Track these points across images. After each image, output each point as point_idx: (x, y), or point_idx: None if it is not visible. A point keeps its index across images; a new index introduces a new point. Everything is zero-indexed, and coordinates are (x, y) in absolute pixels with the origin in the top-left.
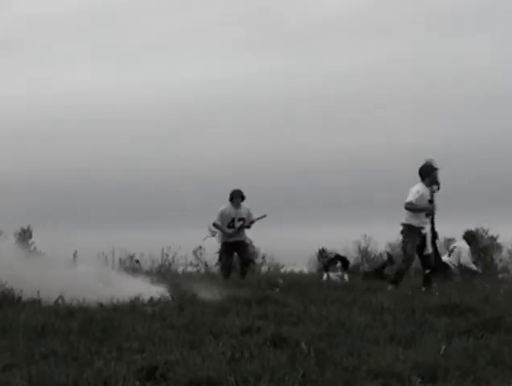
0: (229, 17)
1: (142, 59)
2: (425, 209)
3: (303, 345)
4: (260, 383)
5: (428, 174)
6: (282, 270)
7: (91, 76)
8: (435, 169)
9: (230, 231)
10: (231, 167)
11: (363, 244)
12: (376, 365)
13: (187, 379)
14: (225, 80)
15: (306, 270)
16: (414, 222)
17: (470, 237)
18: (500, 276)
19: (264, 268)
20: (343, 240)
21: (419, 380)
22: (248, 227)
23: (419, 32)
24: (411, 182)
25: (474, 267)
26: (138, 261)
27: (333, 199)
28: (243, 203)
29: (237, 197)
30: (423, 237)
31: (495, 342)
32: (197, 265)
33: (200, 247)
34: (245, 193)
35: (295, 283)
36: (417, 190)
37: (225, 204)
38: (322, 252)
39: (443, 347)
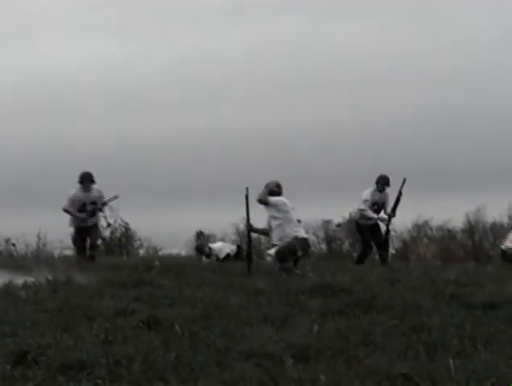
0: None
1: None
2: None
3: (177, 327)
4: (133, 366)
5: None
6: (160, 253)
7: None
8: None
9: (82, 215)
10: (101, 149)
11: (241, 227)
12: (249, 346)
13: (59, 362)
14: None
15: (183, 253)
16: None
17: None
18: (376, 257)
19: (142, 251)
20: (221, 222)
21: (291, 361)
22: (101, 210)
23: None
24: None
25: (370, 214)
26: (14, 245)
27: (209, 182)
28: (94, 186)
29: (87, 181)
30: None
31: (367, 322)
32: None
33: None
34: (116, 177)
35: (172, 265)
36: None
37: (74, 188)
38: (200, 235)
39: (316, 328)
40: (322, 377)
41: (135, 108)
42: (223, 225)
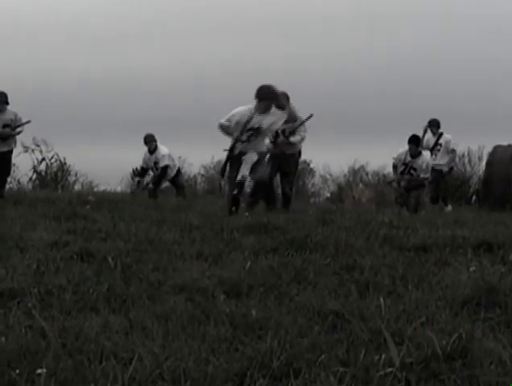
0: None
1: None
2: None
3: (109, 260)
4: (64, 295)
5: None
6: (96, 189)
7: None
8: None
9: None
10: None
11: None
12: (181, 280)
13: None
14: None
15: (119, 189)
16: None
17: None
18: (311, 200)
19: (77, 187)
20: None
21: (223, 296)
22: (17, 133)
23: None
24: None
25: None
26: None
27: (147, 118)
28: (9, 108)
29: None
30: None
31: (300, 261)
32: (10, 183)
33: (14, 164)
34: (54, 111)
35: (107, 200)
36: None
37: None
38: (135, 171)
39: (249, 264)
40: (253, 312)
41: (65, 41)
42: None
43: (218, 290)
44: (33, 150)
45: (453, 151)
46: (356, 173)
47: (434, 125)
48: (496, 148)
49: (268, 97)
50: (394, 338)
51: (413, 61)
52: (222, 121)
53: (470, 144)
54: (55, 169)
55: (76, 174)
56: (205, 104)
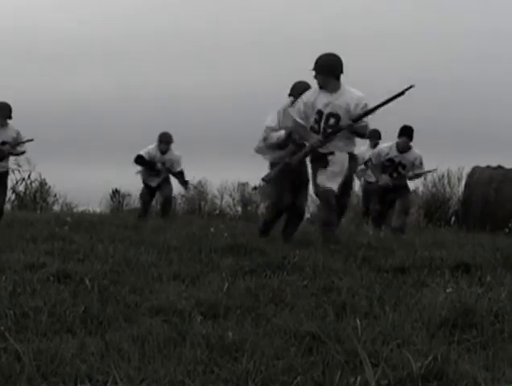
0: None
1: None
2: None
3: (86, 281)
4: (40, 317)
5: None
6: (75, 210)
7: None
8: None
9: None
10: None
11: None
12: (158, 302)
13: None
14: None
15: (98, 210)
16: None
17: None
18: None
19: (56, 207)
20: (136, 181)
21: (200, 317)
22: (15, 154)
23: None
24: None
25: None
26: None
27: (126, 139)
28: (10, 123)
29: (1, 113)
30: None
31: (277, 282)
32: None
33: None
34: (38, 131)
35: (86, 222)
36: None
37: None
38: (115, 193)
39: (226, 286)
40: (229, 334)
41: (67, 59)
42: (138, 183)
43: (195, 312)
44: (13, 171)
45: None
46: None
47: (373, 136)
48: (474, 169)
49: (326, 70)
50: (370, 360)
51: (393, 81)
52: (294, 116)
53: (449, 165)
54: (34, 189)
55: (55, 195)
56: (184, 124)
